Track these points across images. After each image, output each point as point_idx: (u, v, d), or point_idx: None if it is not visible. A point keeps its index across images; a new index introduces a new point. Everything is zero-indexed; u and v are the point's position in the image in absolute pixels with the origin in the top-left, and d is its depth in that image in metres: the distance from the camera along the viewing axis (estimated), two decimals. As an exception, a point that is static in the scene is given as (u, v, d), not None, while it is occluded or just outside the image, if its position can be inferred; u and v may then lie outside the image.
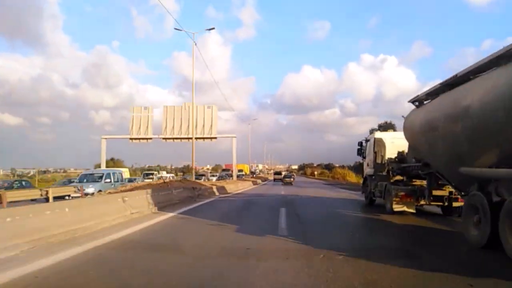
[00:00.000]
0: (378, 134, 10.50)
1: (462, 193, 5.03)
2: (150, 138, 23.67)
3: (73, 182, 14.75)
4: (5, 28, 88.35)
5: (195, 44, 15.43)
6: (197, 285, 2.69)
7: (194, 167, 14.10)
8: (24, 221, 4.11)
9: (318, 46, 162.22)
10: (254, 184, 25.06)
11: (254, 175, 53.59)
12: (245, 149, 42.22)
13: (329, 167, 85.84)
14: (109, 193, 10.72)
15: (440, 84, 5.03)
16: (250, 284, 2.70)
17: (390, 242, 4.70)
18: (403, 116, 7.54)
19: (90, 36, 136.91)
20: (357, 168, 52.38)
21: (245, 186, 20.78)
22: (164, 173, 27.87)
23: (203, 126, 22.89)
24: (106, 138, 23.75)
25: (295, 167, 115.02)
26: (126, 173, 21.81)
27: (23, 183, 15.70)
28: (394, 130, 13.11)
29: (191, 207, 8.91)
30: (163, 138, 23.28)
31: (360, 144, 12.26)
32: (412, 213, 7.15)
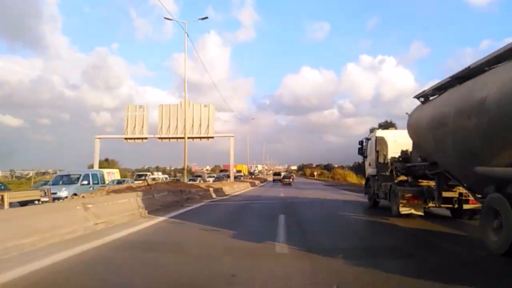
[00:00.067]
0: (380, 133, 10.27)
1: (476, 195, 4.74)
2: (146, 138, 23.27)
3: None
4: (5, 30, 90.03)
5: (187, 34, 15.05)
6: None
7: (185, 168, 13.37)
8: None
9: (317, 47, 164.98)
10: (252, 186, 24.57)
11: (253, 176, 53.49)
12: (244, 150, 42.07)
13: (328, 167, 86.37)
14: (71, 198, 9.56)
15: (450, 77, 4.76)
16: None
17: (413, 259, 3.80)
18: (407, 113, 7.30)
19: (90, 37, 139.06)
20: (357, 169, 52.75)
21: (242, 188, 20.02)
22: (159, 174, 27.34)
23: (200, 125, 22.51)
24: (100, 138, 23.34)
25: (294, 167, 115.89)
26: (116, 174, 21.21)
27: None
28: (395, 129, 12.92)
29: (173, 214, 7.57)
30: (159, 138, 22.88)
31: (361, 143, 12.04)
32: (420, 216, 6.87)
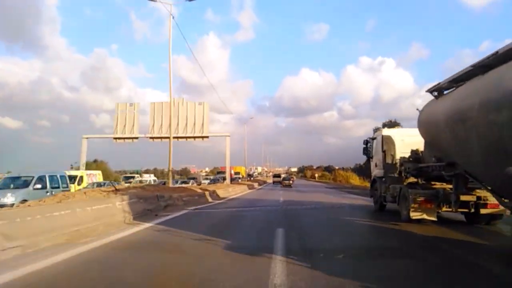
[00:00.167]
0: (386, 131, 9.90)
1: (503, 199, 4.31)
2: (136, 138, 22.68)
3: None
4: (4, 31, 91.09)
5: (172, 17, 14.44)
6: None
7: (170, 170, 12.52)
8: None
9: (316, 49, 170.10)
10: (249, 188, 23.96)
11: (252, 178, 53.15)
12: (242, 150, 41.76)
13: (329, 169, 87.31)
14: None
15: (472, 66, 4.33)
16: None
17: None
18: (418, 109, 6.91)
19: (89, 39, 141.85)
20: (359, 170, 53.13)
21: (237, 191, 19.25)
22: (151, 176, 26.67)
23: (194, 124, 21.94)
24: (87, 138, 22.75)
25: (294, 169, 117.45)
26: (98, 176, 20.20)
27: None
28: (402, 128, 12.52)
29: (133, 231, 5.76)
30: (150, 138, 22.32)
31: (366, 142, 11.72)
32: (432, 221, 6.44)
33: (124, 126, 21.86)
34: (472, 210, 6.17)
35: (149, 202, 8.80)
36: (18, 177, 11.25)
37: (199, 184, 30.58)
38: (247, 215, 8.80)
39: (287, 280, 2.93)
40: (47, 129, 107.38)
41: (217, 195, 14.83)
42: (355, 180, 44.98)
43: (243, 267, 3.55)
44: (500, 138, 3.37)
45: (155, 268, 3.58)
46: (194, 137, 22.28)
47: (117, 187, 11.41)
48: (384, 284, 2.97)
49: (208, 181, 35.52)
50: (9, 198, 9.77)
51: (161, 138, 22.23)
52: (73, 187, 15.29)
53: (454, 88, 5.15)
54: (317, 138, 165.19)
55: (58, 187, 11.45)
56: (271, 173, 76.76)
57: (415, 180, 7.93)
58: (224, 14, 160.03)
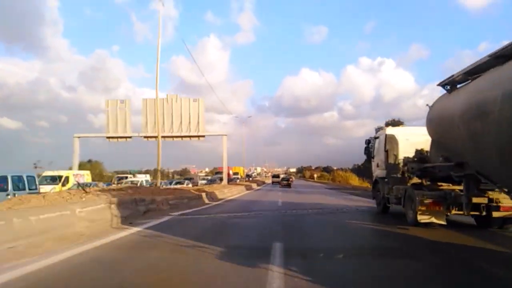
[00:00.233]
0: (390, 130, 9.61)
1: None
2: (130, 137, 22.11)
3: None
4: (4, 32, 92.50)
5: (162, 4, 13.91)
6: None
7: (159, 170, 11.89)
8: None
9: (316, 49, 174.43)
10: (247, 189, 23.46)
11: (250, 179, 52.91)
12: (242, 151, 41.59)
13: (327, 169, 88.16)
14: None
15: (490, 55, 3.98)
16: None
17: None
18: (427, 105, 6.56)
19: (90, 40, 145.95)
20: (358, 171, 53.26)
21: (234, 193, 18.51)
22: (146, 177, 26.00)
23: (189, 122, 21.33)
24: (79, 137, 22.17)
25: (293, 170, 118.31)
26: (86, 177, 19.60)
27: None
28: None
29: (86, 248, 4.42)
30: (144, 137, 21.78)
31: (368, 142, 11.49)
32: (440, 224, 6.10)
33: (117, 124, 21.27)
34: (484, 213, 5.85)
35: (124, 207, 7.53)
36: None
37: (196, 184, 30.12)
38: (239, 223, 7.50)
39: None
40: (46, 130, 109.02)
41: (211, 197, 13.97)
42: (355, 180, 44.88)
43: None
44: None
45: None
46: (190, 137, 21.69)
47: (92, 189, 10.20)
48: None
49: (205, 181, 35.05)
50: None
51: (155, 137, 21.70)
52: (58, 188, 14.75)
53: (469, 81, 4.80)
54: (317, 139, 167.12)
55: (24, 189, 10.13)
56: (270, 174, 77.07)
57: (418, 181, 7.65)
58: (224, 16, 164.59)
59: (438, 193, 6.16)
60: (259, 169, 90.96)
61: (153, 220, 7.35)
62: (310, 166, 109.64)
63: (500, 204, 5.72)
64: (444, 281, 3.28)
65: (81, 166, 30.02)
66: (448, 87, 5.55)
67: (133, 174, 28.70)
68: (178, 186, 20.59)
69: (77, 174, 18.93)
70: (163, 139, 21.94)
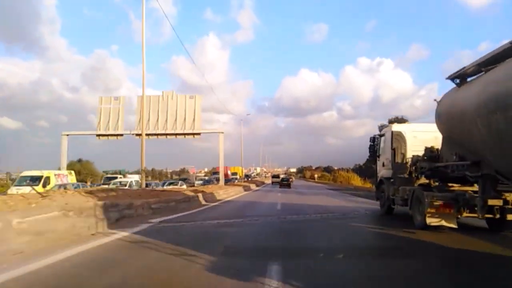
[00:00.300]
0: (397, 127, 9.38)
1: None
2: (121, 135, 21.77)
3: None
4: (3, 32, 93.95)
5: None
6: None
7: (143, 169, 11.33)
8: None
9: (316, 49, 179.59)
10: (245, 190, 23.08)
11: (249, 179, 52.77)
12: (242, 151, 41.48)
13: (328, 169, 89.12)
14: None
15: (511, 43, 3.73)
16: None
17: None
18: (435, 100, 6.35)
19: (89, 39, 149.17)
20: (359, 171, 53.32)
21: (231, 194, 17.93)
22: (135, 177, 25.45)
23: (184, 119, 20.91)
24: (67, 135, 21.78)
25: (293, 170, 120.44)
26: (70, 177, 18.91)
27: None
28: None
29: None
30: (136, 135, 21.42)
31: (373, 140, 11.26)
32: (450, 228, 5.86)
33: (108, 122, 20.92)
34: (498, 216, 5.61)
35: (88, 215, 6.12)
36: None
37: (192, 185, 29.77)
38: (228, 233, 6.27)
39: None
40: (46, 129, 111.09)
41: (204, 199, 13.12)
42: (357, 181, 44.81)
43: None
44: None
45: None
46: (184, 134, 21.36)
47: (70, 191, 9.47)
48: None
49: (201, 182, 34.72)
50: None
51: (148, 135, 21.34)
52: (38, 189, 14.36)
53: (483, 72, 4.56)
54: (317, 139, 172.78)
55: None
56: (269, 174, 77.72)
57: (426, 181, 7.49)
58: (224, 14, 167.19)
59: (449, 195, 5.92)
60: (259, 169, 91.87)
61: (124, 229, 6.07)
62: (311, 166, 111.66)
63: None
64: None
65: (71, 166, 29.71)
66: (458, 81, 5.33)
67: (123, 174, 28.21)
68: (171, 187, 20.09)
69: (59, 174, 18.34)
70: (157, 137, 21.80)
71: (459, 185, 6.47)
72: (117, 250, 4.63)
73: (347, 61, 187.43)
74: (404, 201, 7.47)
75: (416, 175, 7.72)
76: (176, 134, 21.33)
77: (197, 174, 58.79)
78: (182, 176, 41.95)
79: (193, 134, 21.34)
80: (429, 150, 7.18)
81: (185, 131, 21.06)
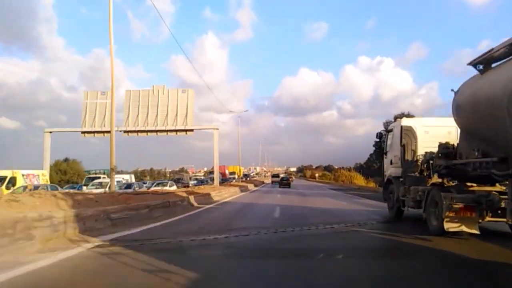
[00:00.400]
0: (406, 121, 9.02)
1: None
2: (108, 132, 21.17)
3: None
4: (1, 32, 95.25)
5: None
6: None
7: (113, 169, 10.20)
8: None
9: (315, 48, 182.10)
10: (241, 191, 22.24)
11: (248, 178, 52.59)
12: (241, 150, 41.36)
13: (328, 168, 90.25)
14: None
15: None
16: None
17: None
18: (452, 90, 5.88)
19: (87, 39, 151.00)
20: (360, 170, 53.29)
21: (224, 196, 16.83)
22: (126, 177, 24.60)
23: (176, 115, 20.27)
24: (51, 132, 21.12)
25: (293, 169, 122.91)
26: (42, 177, 17.88)
27: None
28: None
29: None
30: (124, 131, 20.80)
31: (380, 136, 10.89)
32: (470, 234, 5.42)
33: (94, 118, 20.26)
34: (524, 219, 5.19)
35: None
36: None
37: (186, 186, 29.19)
38: (196, 267, 3.83)
39: None
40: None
41: (190, 204, 11.65)
42: (360, 180, 44.63)
43: None
44: None
45: None
46: (176, 131, 20.71)
47: (42, 193, 7.80)
48: None
49: (195, 182, 34.18)
50: None
51: (136, 132, 20.73)
52: (2, 190, 13.57)
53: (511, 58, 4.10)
54: (317, 138, 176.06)
55: None
56: (269, 173, 78.27)
57: (439, 180, 7.11)
58: (222, 13, 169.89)
59: (471, 196, 5.46)
60: (258, 169, 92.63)
61: (45, 257, 4.16)
62: (311, 165, 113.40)
63: None
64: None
65: (57, 165, 29.02)
66: (481, 67, 4.87)
67: (107, 174, 27.37)
68: (156, 188, 18.96)
69: (28, 174, 17.38)
70: (146, 134, 21.19)
71: (479, 185, 6.06)
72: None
73: (347, 60, 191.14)
74: (417, 203, 7.07)
75: (428, 173, 7.34)
76: (167, 131, 20.73)
77: (197, 174, 58.59)
78: (177, 176, 41.18)
79: (185, 130, 20.73)
80: (444, 146, 6.76)
81: (177, 128, 20.47)
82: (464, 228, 5.36)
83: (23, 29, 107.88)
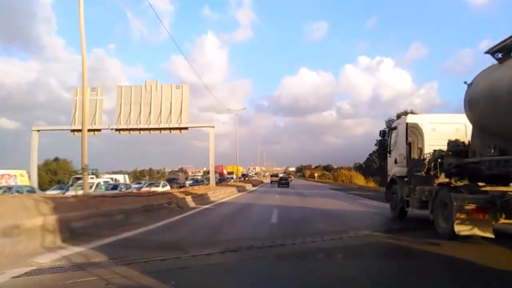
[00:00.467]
0: (412, 118, 8.85)
1: None
2: (98, 130, 20.67)
3: None
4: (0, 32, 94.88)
5: None
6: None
7: (85, 169, 9.37)
8: None
9: (315, 48, 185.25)
10: (238, 191, 21.68)
11: (246, 178, 52.62)
12: (241, 150, 41.33)
13: (327, 168, 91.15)
14: None
15: None
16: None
17: None
18: (465, 82, 5.59)
19: (86, 39, 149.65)
20: (359, 170, 53.38)
21: (219, 197, 16.09)
22: (118, 178, 23.88)
23: (170, 112, 19.79)
24: (38, 130, 20.59)
25: (292, 169, 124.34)
26: (20, 178, 16.96)
27: None
28: None
29: None
30: (116, 130, 20.32)
31: (383, 134, 10.75)
32: (484, 238, 5.13)
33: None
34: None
35: None
36: None
37: (182, 186, 28.74)
38: None
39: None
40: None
41: (180, 206, 10.61)
42: (360, 180, 44.63)
43: None
44: None
45: None
46: (170, 129, 20.21)
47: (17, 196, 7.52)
48: None
49: (191, 182, 33.74)
50: None
51: (129, 130, 20.23)
52: None
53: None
54: (316, 138, 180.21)
55: None
56: (268, 173, 79.37)
57: (446, 180, 6.80)
58: (222, 13, 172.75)
59: (484, 197, 5.17)
60: (258, 169, 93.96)
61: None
62: (310, 165, 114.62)
63: None
64: None
65: (47, 165, 28.48)
66: (500, 55, 4.58)
67: (96, 174, 26.61)
68: (148, 189, 18.12)
69: (3, 175, 16.44)
70: (139, 132, 20.75)
71: (491, 185, 5.77)
72: None
73: (347, 60, 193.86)
74: (422, 204, 6.88)
75: (435, 172, 7.09)
76: (160, 129, 20.25)
77: (196, 174, 58.51)
78: (171, 176, 40.64)
79: (180, 128, 20.23)
80: (454, 144, 6.53)
81: (171, 125, 20.00)
82: (477, 232, 5.07)
83: (22, 29, 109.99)
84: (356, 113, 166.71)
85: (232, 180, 39.65)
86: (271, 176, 50.49)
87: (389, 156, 9.76)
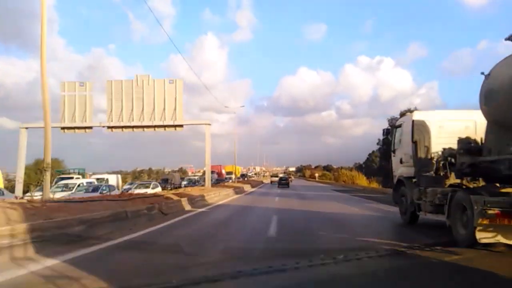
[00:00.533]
0: (419, 115, 8.53)
1: None
2: (90, 128, 20.19)
3: None
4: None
5: None
6: None
7: (45, 168, 8.50)
8: None
9: (315, 48, 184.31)
10: (235, 193, 21.10)
11: (245, 178, 52.52)
12: (241, 150, 41.14)
13: (327, 168, 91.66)
14: None
15: None
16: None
17: None
18: (483, 73, 5.22)
19: (86, 39, 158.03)
20: (359, 170, 53.06)
21: (214, 199, 15.37)
22: (110, 178, 23.20)
23: (164, 109, 19.28)
24: (26, 128, 20.13)
25: (292, 169, 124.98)
26: None
27: None
28: None
29: None
30: (108, 127, 19.84)
31: (387, 132, 10.40)
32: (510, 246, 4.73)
33: (74, 112, 19.29)
34: None
35: None
36: None
37: (177, 186, 28.31)
38: None
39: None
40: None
41: (162, 212, 9.42)
42: (362, 180, 44.28)
43: None
44: None
45: None
46: (164, 126, 19.66)
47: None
48: None
49: (186, 182, 33.28)
50: None
51: (121, 128, 19.78)
52: None
53: None
54: (316, 138, 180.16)
55: None
56: (268, 173, 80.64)
57: (458, 180, 6.57)
58: (222, 14, 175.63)
59: (508, 200, 4.75)
60: (258, 169, 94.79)
61: None
62: (310, 165, 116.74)
63: None
64: None
65: (38, 165, 27.97)
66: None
67: (82, 174, 25.95)
68: (137, 191, 17.15)
69: None
70: (132, 129, 20.31)
71: (505, 186, 5.43)
72: None
73: (347, 60, 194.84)
74: (435, 207, 6.48)
75: (445, 172, 6.73)
76: (154, 126, 19.74)
77: (196, 174, 58.58)
78: (165, 176, 40.00)
79: (174, 126, 19.71)
80: (465, 142, 6.17)
81: (165, 123, 19.51)
82: (501, 239, 4.65)
83: (22, 28, 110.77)
84: (355, 113, 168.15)
85: (230, 181, 39.24)
86: (271, 176, 51.21)
87: (393, 156, 9.39)
